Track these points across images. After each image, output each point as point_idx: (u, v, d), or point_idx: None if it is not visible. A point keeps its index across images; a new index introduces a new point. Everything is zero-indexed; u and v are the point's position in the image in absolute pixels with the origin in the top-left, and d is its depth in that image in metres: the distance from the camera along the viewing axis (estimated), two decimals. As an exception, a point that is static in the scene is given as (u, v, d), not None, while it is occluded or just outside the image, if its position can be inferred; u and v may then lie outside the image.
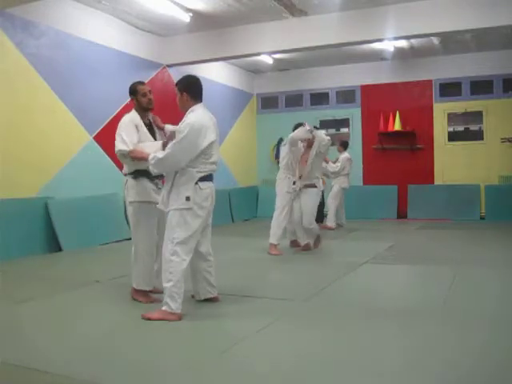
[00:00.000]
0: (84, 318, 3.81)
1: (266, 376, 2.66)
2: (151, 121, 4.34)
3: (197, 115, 3.71)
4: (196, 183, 3.67)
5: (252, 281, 5.01)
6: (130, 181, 4.16)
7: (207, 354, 3.00)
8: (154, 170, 3.74)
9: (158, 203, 3.94)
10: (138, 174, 4.14)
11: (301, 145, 6.75)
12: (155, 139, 4.23)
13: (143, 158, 3.85)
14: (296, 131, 6.58)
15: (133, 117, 4.20)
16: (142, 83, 4.32)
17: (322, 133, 6.93)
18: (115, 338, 3.35)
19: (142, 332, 3.43)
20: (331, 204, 9.29)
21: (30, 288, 4.76)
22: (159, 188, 4.13)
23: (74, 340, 3.29)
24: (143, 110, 4.24)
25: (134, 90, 4.25)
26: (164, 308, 3.60)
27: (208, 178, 3.76)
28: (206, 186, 3.74)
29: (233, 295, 4.30)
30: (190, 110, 3.77)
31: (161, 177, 4.14)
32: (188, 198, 3.64)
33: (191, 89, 3.81)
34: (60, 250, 6.81)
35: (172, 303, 3.58)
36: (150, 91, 4.25)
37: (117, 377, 2.69)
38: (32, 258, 6.28)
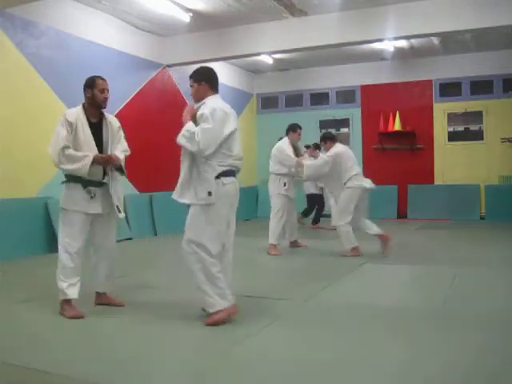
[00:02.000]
0: (84, 317, 3.80)
1: (265, 376, 2.66)
2: (110, 121, 3.98)
3: (217, 102, 3.66)
4: (218, 177, 3.48)
5: (252, 281, 5.00)
6: (64, 185, 3.85)
7: (207, 354, 3.01)
8: (188, 145, 3.43)
9: (88, 212, 3.75)
10: (70, 179, 3.80)
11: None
12: (101, 142, 3.87)
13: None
14: (281, 156, 6.64)
15: (72, 112, 3.85)
16: (102, 78, 3.96)
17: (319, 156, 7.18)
18: (115, 337, 3.35)
19: (141, 332, 3.43)
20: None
21: (30, 288, 4.75)
22: (92, 197, 3.77)
23: (73, 340, 3.30)
24: (95, 108, 3.90)
25: (91, 83, 3.88)
26: (211, 311, 3.52)
27: (230, 173, 3.58)
28: (229, 181, 3.56)
29: (232, 295, 4.29)
30: (207, 98, 3.66)
31: (98, 184, 3.82)
32: (210, 193, 3.45)
33: (210, 79, 3.75)
34: (60, 249, 6.80)
35: (210, 305, 3.49)
36: (107, 90, 3.92)
37: (117, 377, 2.69)
38: (32, 258, 6.28)
